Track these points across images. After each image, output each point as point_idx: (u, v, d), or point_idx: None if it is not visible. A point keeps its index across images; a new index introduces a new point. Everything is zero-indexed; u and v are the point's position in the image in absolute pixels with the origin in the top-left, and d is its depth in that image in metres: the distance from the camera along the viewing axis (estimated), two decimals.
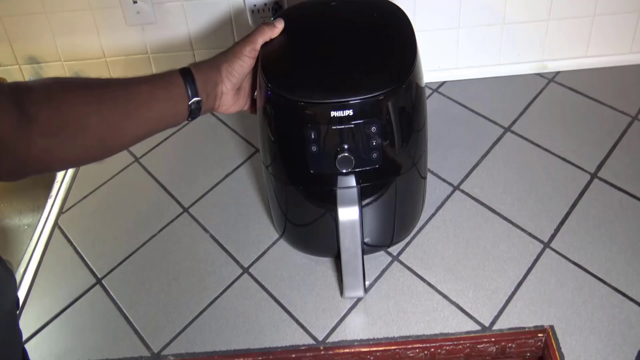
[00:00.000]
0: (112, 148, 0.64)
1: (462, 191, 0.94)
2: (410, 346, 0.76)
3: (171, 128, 0.70)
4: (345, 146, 0.70)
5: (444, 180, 0.96)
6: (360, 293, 0.80)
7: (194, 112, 0.69)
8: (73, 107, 0.58)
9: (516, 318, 0.77)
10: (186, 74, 0.68)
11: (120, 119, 0.62)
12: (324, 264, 0.86)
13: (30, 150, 0.55)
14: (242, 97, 0.76)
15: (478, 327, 0.77)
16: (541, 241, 0.86)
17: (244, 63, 0.72)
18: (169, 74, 0.68)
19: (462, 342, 0.76)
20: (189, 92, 0.67)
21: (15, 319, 0.56)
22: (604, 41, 1.09)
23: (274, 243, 0.90)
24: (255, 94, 0.77)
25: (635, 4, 1.05)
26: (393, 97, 0.70)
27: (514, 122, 1.04)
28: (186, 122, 0.70)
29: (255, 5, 1.04)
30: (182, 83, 0.67)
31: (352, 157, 0.70)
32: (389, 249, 0.87)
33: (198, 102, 0.68)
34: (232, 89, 0.73)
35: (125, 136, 0.64)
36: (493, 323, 0.77)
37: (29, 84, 0.57)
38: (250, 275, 0.86)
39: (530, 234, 0.87)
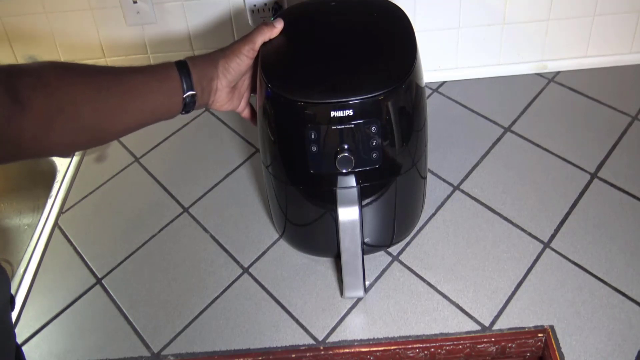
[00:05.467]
0: (105, 137, 0.64)
1: (462, 191, 0.94)
2: (410, 346, 0.76)
3: (169, 126, 0.70)
4: (345, 146, 0.70)
5: (444, 180, 0.96)
6: (360, 293, 0.80)
7: (188, 106, 0.69)
8: (67, 95, 0.57)
9: (516, 318, 0.77)
10: (182, 66, 0.68)
11: (114, 109, 0.62)
12: (324, 264, 0.86)
13: (23, 135, 0.54)
14: (237, 97, 0.76)
15: (478, 327, 0.77)
16: (541, 241, 0.86)
17: (242, 62, 0.72)
18: (164, 66, 0.67)
19: (462, 342, 0.76)
20: (184, 85, 0.67)
21: (8, 317, 0.56)
22: (604, 41, 1.09)
23: (274, 243, 0.90)
24: (254, 95, 0.77)
25: (635, 4, 1.05)
26: (393, 97, 0.70)
27: (514, 122, 1.04)
28: (181, 115, 0.70)
29: (255, 5, 1.04)
30: (178, 76, 0.67)
31: (352, 157, 0.70)
32: (389, 249, 0.87)
33: (193, 95, 0.68)
34: (227, 86, 0.73)
35: (118, 126, 0.64)
36: (493, 323, 0.77)
37: (23, 68, 0.56)
38: (250, 275, 0.86)
39: (530, 234, 0.87)
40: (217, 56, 0.72)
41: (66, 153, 1.02)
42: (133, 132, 0.66)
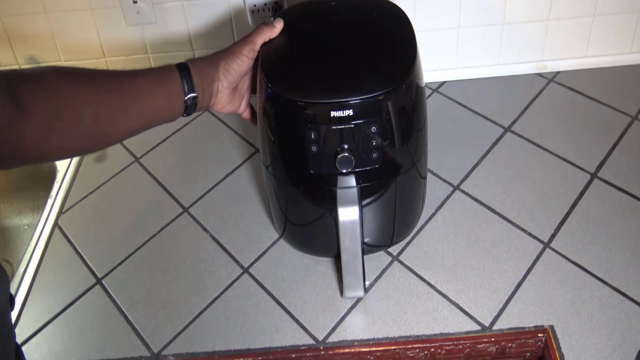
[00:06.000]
0: (107, 140, 0.64)
1: (462, 191, 0.94)
2: (410, 346, 0.76)
3: (168, 126, 0.70)
4: (345, 146, 0.70)
5: (444, 180, 0.96)
6: (360, 293, 0.80)
7: (189, 108, 0.69)
8: (68, 99, 0.57)
9: (516, 318, 0.77)
10: (183, 69, 0.68)
11: (116, 111, 0.62)
12: (324, 264, 0.86)
13: (24, 140, 0.54)
14: (238, 98, 0.76)
15: (478, 327, 0.77)
16: (541, 241, 0.86)
17: (242, 62, 0.72)
18: (165, 69, 0.67)
19: (462, 342, 0.76)
20: (185, 87, 0.67)
21: (8, 317, 0.56)
22: (604, 41, 1.09)
23: (274, 243, 0.90)
24: (254, 95, 0.77)
25: (635, 4, 1.05)
26: (393, 97, 0.70)
27: (514, 122, 1.04)
28: (182, 117, 0.70)
29: (255, 5, 1.04)
30: (179, 78, 0.67)
31: (352, 157, 0.70)
32: (389, 249, 0.87)
33: (194, 97, 0.68)
34: (228, 88, 0.73)
35: (120, 129, 0.64)
36: (493, 323, 0.77)
37: (24, 72, 0.56)
38: (250, 275, 0.86)
39: (530, 234, 0.87)
40: (217, 58, 0.71)
41: (68, 157, 1.02)
42: (134, 135, 0.65)
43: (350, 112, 0.68)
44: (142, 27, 1.08)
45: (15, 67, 1.13)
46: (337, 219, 0.73)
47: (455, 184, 0.95)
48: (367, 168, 0.72)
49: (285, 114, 0.72)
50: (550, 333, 0.75)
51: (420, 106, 0.75)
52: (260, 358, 0.77)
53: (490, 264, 0.84)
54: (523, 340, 0.76)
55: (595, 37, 1.08)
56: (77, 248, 0.93)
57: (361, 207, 0.74)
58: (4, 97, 0.52)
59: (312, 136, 0.69)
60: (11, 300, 0.57)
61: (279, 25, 0.74)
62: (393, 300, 0.81)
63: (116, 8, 1.05)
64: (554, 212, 0.89)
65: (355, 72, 0.70)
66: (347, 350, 0.77)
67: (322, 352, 0.77)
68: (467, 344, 0.76)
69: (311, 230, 0.83)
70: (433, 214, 0.91)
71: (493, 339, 0.76)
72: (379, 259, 0.86)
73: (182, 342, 0.79)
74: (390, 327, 0.78)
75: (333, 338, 0.78)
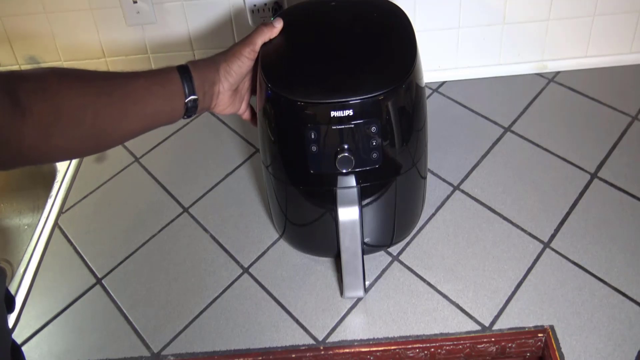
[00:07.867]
0: (107, 142, 0.64)
1: (462, 191, 0.94)
2: (410, 346, 0.76)
3: (168, 126, 0.70)
4: (345, 146, 0.70)
5: (444, 180, 0.96)
6: (360, 293, 0.80)
7: (190, 110, 0.69)
8: (68, 100, 0.57)
9: (516, 318, 0.77)
10: (183, 71, 0.67)
11: (116, 113, 0.62)
12: (324, 264, 0.86)
13: (23, 141, 0.54)
14: (238, 100, 0.76)
15: (478, 327, 0.77)
16: (541, 241, 0.86)
17: (243, 64, 0.72)
18: (166, 71, 0.67)
19: (462, 342, 0.76)
20: (186, 90, 0.67)
21: (4, 316, 0.55)
22: (604, 41, 1.09)
23: (274, 243, 0.90)
24: (254, 96, 0.77)
25: (635, 4, 1.05)
26: (393, 97, 0.70)
27: (514, 122, 1.04)
28: (183, 119, 0.70)
29: (255, 5, 1.04)
30: (179, 80, 0.67)
31: (352, 157, 0.70)
32: (389, 249, 0.87)
33: (195, 100, 0.68)
34: (229, 89, 0.73)
35: (120, 131, 0.64)
36: (493, 323, 0.77)
37: (23, 74, 0.56)
38: (250, 275, 0.86)
39: (530, 234, 0.87)
40: (218, 60, 0.71)
41: (67, 159, 1.02)
42: (134, 137, 0.65)
43: (350, 112, 0.68)
44: (142, 27, 1.08)
45: (15, 67, 1.13)
46: (337, 219, 0.73)
47: (455, 184, 0.95)
48: (367, 168, 0.72)
49: (285, 114, 0.72)
50: (550, 333, 0.75)
51: (420, 106, 0.75)
52: (260, 358, 0.77)
53: (490, 264, 0.84)
54: (523, 340, 0.76)
55: (595, 37, 1.09)
56: (77, 248, 0.93)
57: (361, 207, 0.74)
58: (3, 98, 0.52)
59: (312, 136, 0.69)
60: (11, 301, 0.56)
61: (278, 25, 0.74)
62: (393, 300, 0.81)
63: (116, 8, 1.05)
64: (554, 212, 0.89)
65: (355, 72, 0.71)
66: (347, 350, 0.77)
67: (322, 352, 0.77)
68: (467, 344, 0.76)
69: (311, 230, 0.83)
70: (433, 214, 0.91)
71: (493, 339, 0.76)
72: (379, 259, 0.86)
73: (182, 342, 0.79)
74: (390, 327, 0.78)
75: (333, 338, 0.78)
